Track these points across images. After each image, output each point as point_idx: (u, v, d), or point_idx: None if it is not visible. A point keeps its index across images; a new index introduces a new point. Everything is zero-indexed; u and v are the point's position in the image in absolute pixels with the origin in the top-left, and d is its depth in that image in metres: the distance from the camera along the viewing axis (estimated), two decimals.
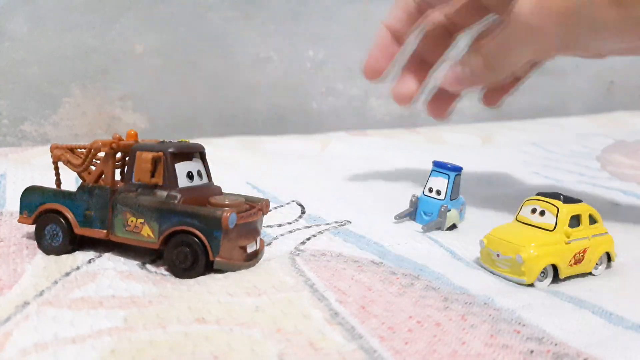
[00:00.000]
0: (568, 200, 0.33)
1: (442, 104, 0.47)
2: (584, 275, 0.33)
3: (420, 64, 0.47)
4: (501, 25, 0.39)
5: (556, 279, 0.32)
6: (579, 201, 0.34)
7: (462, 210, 0.42)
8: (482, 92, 0.50)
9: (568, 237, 0.32)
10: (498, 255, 0.32)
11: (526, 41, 0.38)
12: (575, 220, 0.33)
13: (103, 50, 0.69)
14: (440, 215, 0.40)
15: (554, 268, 0.32)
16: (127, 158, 0.33)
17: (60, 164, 0.35)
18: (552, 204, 0.33)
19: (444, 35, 0.47)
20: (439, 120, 0.47)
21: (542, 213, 0.33)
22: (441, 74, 0.44)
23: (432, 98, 0.47)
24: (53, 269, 0.30)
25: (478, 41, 0.43)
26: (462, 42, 0.47)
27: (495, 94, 0.50)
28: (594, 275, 0.34)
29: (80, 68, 0.68)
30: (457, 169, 0.41)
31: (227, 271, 0.30)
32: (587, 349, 0.24)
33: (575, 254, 0.32)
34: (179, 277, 0.30)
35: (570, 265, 0.32)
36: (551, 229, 0.32)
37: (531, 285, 0.31)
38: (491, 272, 0.33)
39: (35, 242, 0.33)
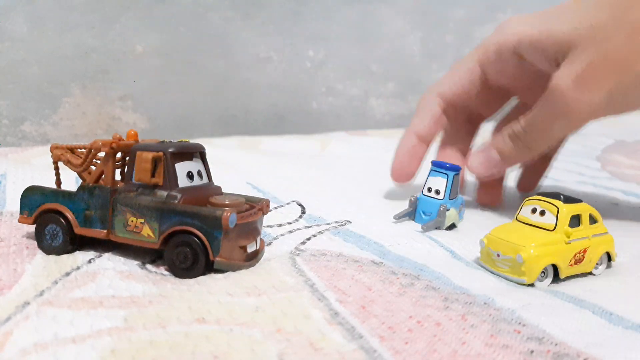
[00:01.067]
0: (568, 200, 0.33)
1: (490, 190, 0.47)
2: (584, 275, 0.33)
3: (423, 144, 0.47)
4: (537, 104, 0.39)
5: (556, 278, 0.32)
6: (579, 201, 0.34)
7: (461, 210, 0.42)
8: (518, 178, 0.51)
9: (568, 237, 0.32)
10: (498, 255, 0.32)
11: (566, 116, 0.38)
12: (575, 220, 0.33)
13: (103, 50, 0.69)
14: (439, 215, 0.40)
15: (554, 268, 0.32)
16: (127, 158, 0.33)
17: (60, 164, 0.35)
18: (552, 204, 0.33)
19: (467, 126, 0.48)
20: (496, 206, 0.47)
21: (542, 213, 0.33)
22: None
23: (478, 190, 0.47)
24: (53, 269, 0.30)
25: (504, 124, 0.44)
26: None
27: (530, 179, 0.51)
28: (595, 275, 0.34)
29: (80, 68, 0.68)
30: (456, 169, 0.41)
31: (227, 271, 0.30)
32: (587, 349, 0.24)
33: (576, 254, 0.32)
34: (179, 277, 0.30)
35: (571, 265, 0.32)
36: (551, 229, 0.32)
37: (531, 285, 0.31)
38: (491, 272, 0.33)
39: (35, 242, 0.33)
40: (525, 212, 0.34)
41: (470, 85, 0.45)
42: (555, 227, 0.32)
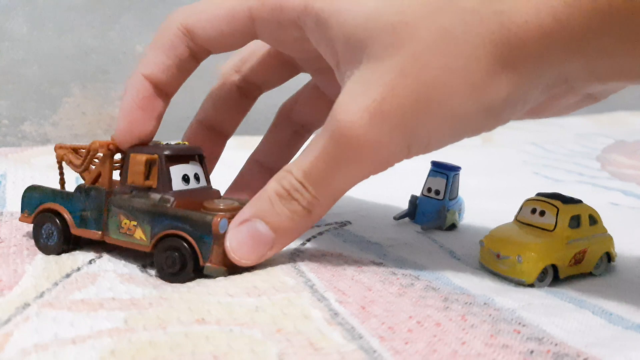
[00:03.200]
0: (568, 200, 0.33)
1: None
2: (584, 275, 0.33)
3: (211, 134, 0.38)
4: (314, 142, 0.29)
5: (556, 279, 0.32)
6: (579, 201, 0.34)
7: (461, 210, 0.42)
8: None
9: (568, 238, 0.32)
10: (498, 255, 0.32)
11: (358, 163, 0.29)
12: (575, 221, 0.33)
13: (103, 50, 0.69)
14: (439, 215, 0.40)
15: (554, 268, 0.32)
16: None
17: (64, 163, 0.35)
18: (552, 204, 0.33)
19: (239, 99, 0.38)
20: None
21: (542, 213, 0.33)
22: None
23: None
24: (53, 270, 0.30)
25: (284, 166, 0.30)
26: None
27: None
28: (595, 275, 0.34)
29: (80, 68, 0.68)
30: (456, 169, 0.41)
31: (217, 277, 0.30)
32: (587, 349, 0.24)
33: (575, 254, 0.32)
34: (167, 281, 0.30)
35: (570, 265, 0.32)
36: (551, 229, 0.32)
37: (531, 285, 0.31)
38: (491, 272, 0.33)
39: (34, 243, 0.33)
40: (525, 212, 0.34)
41: (230, 32, 0.31)
42: (554, 228, 0.32)
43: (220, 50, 0.33)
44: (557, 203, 0.33)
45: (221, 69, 0.38)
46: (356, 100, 0.27)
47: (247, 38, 0.32)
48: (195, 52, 0.32)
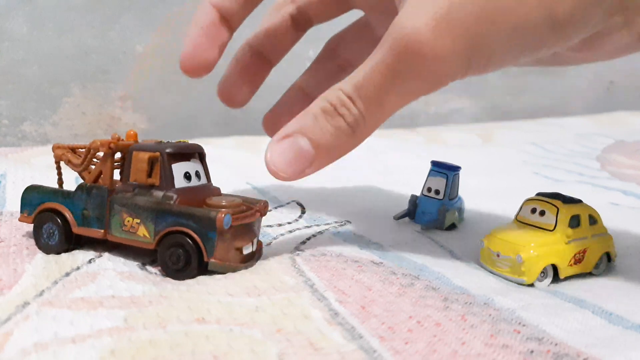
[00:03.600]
0: (568, 200, 0.33)
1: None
2: (584, 275, 0.33)
3: (258, 59, 0.38)
4: (371, 57, 0.28)
5: (556, 278, 0.32)
6: (579, 201, 0.34)
7: (461, 210, 0.42)
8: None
9: (568, 237, 0.32)
10: (498, 255, 0.32)
11: (418, 75, 0.27)
12: (575, 221, 0.33)
13: (103, 50, 0.69)
14: (439, 215, 0.40)
15: (554, 268, 0.32)
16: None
17: (62, 163, 0.35)
18: (552, 204, 0.33)
19: (290, 28, 0.38)
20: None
21: (542, 213, 0.33)
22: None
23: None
24: (53, 269, 0.30)
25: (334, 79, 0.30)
26: None
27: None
28: (594, 275, 0.34)
29: (80, 68, 0.68)
30: (456, 169, 0.41)
31: (222, 273, 0.30)
32: (587, 349, 0.24)
33: (575, 254, 0.32)
34: (172, 278, 0.30)
35: (570, 265, 0.32)
36: (551, 229, 0.32)
37: (531, 285, 0.31)
38: (491, 272, 0.33)
39: (35, 242, 0.33)
40: (525, 212, 0.34)
41: None
42: (554, 227, 0.32)
43: None
44: (557, 203, 0.33)
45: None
46: (422, 8, 0.26)
47: None
48: None
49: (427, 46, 0.26)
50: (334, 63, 0.40)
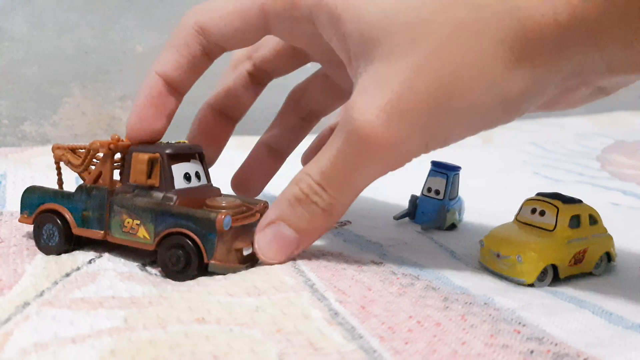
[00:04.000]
0: (568, 200, 0.33)
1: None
2: (583, 275, 0.33)
3: (221, 118, 0.39)
4: (330, 142, 0.29)
5: (556, 279, 0.32)
6: (579, 201, 0.34)
7: (461, 210, 0.42)
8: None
9: (568, 238, 0.32)
10: (498, 255, 0.32)
11: (376, 162, 0.29)
12: (575, 221, 0.33)
13: (103, 50, 0.69)
14: (439, 215, 0.40)
15: (554, 268, 0.32)
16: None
17: (62, 164, 0.35)
18: (552, 204, 0.33)
19: (250, 85, 0.39)
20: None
21: (542, 213, 0.33)
22: None
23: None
24: (53, 269, 0.30)
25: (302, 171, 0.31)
26: None
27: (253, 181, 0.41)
28: (595, 275, 0.34)
29: (80, 68, 0.68)
30: (456, 169, 0.41)
31: (222, 274, 0.30)
32: (587, 349, 0.24)
33: (575, 254, 0.32)
34: (172, 279, 0.30)
35: (570, 265, 0.32)
36: (551, 229, 0.32)
37: (531, 285, 0.31)
38: (491, 272, 0.33)
39: (35, 243, 0.33)
40: (525, 212, 0.34)
41: (243, 28, 0.31)
42: (554, 228, 0.32)
43: (233, 47, 0.33)
44: (557, 203, 0.33)
45: (233, 54, 0.38)
46: (372, 99, 0.27)
47: (260, 34, 0.32)
48: (209, 50, 0.33)
49: (382, 137, 0.27)
50: (297, 116, 0.41)
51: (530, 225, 0.33)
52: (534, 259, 0.31)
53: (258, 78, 0.39)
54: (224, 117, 0.39)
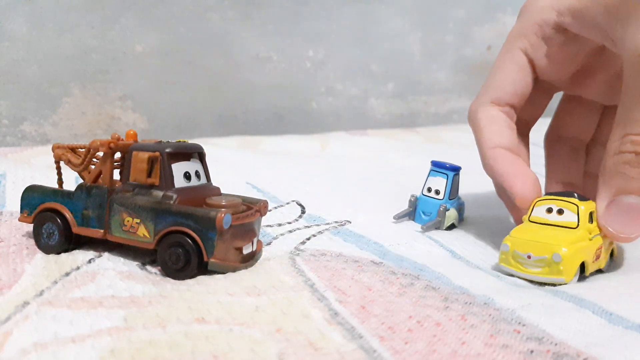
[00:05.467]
0: (581, 198, 0.33)
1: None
2: (583, 274, 0.33)
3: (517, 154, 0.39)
4: (630, 86, 0.30)
5: (582, 275, 0.32)
6: (589, 199, 0.34)
7: (461, 210, 0.42)
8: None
9: (590, 233, 0.32)
10: (529, 256, 0.31)
11: None
12: (590, 218, 0.33)
13: (103, 50, 0.69)
14: (439, 215, 0.40)
15: (582, 265, 0.32)
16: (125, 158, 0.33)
17: (62, 163, 0.35)
18: (571, 202, 0.32)
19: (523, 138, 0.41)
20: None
21: (560, 212, 0.33)
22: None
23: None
24: (53, 269, 0.30)
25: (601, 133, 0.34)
26: None
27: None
28: (603, 271, 0.34)
29: (79, 68, 0.68)
30: (456, 169, 0.41)
31: (222, 272, 0.30)
32: (587, 348, 0.24)
33: (596, 250, 0.32)
34: (172, 278, 0.30)
35: (593, 261, 0.32)
36: (574, 227, 0.32)
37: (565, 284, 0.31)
38: (512, 275, 0.32)
39: (35, 242, 0.33)
40: (539, 212, 0.33)
41: (522, 83, 0.36)
42: (578, 225, 0.32)
43: (517, 105, 0.38)
44: (576, 201, 0.32)
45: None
46: None
47: (530, 78, 0.37)
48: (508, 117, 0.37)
49: None
50: (565, 148, 0.42)
51: (549, 225, 0.33)
52: (571, 257, 0.30)
53: (521, 130, 0.41)
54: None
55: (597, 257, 0.32)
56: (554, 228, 0.32)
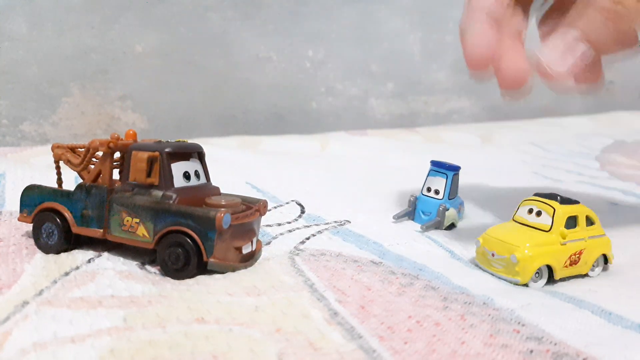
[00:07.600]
0: (565, 201, 0.33)
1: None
2: (582, 275, 0.33)
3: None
4: None
5: (551, 280, 0.32)
6: (576, 202, 0.34)
7: (460, 210, 0.42)
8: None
9: (564, 238, 0.32)
10: (493, 254, 0.32)
11: None
12: (572, 221, 0.33)
13: (102, 50, 0.69)
14: (438, 215, 0.40)
15: (549, 269, 0.32)
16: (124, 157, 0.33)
17: (61, 163, 0.35)
18: (549, 205, 0.33)
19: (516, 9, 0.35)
20: (597, 83, 0.33)
21: (539, 213, 0.33)
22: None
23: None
24: (52, 268, 0.30)
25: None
26: None
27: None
28: (590, 277, 0.34)
29: (79, 68, 0.68)
30: (455, 168, 0.41)
31: (221, 272, 0.30)
32: (586, 348, 0.24)
33: (571, 255, 0.32)
34: (171, 278, 0.30)
35: (566, 266, 0.32)
36: (547, 230, 0.32)
37: (525, 285, 0.31)
38: (486, 272, 0.33)
39: (34, 242, 0.33)
40: (522, 212, 0.34)
41: None
42: (550, 228, 0.32)
43: None
44: (554, 203, 0.33)
45: None
46: None
47: None
48: None
49: None
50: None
51: (526, 225, 0.33)
52: (529, 259, 0.31)
53: None
54: None
55: (574, 263, 0.32)
56: (527, 229, 0.33)
